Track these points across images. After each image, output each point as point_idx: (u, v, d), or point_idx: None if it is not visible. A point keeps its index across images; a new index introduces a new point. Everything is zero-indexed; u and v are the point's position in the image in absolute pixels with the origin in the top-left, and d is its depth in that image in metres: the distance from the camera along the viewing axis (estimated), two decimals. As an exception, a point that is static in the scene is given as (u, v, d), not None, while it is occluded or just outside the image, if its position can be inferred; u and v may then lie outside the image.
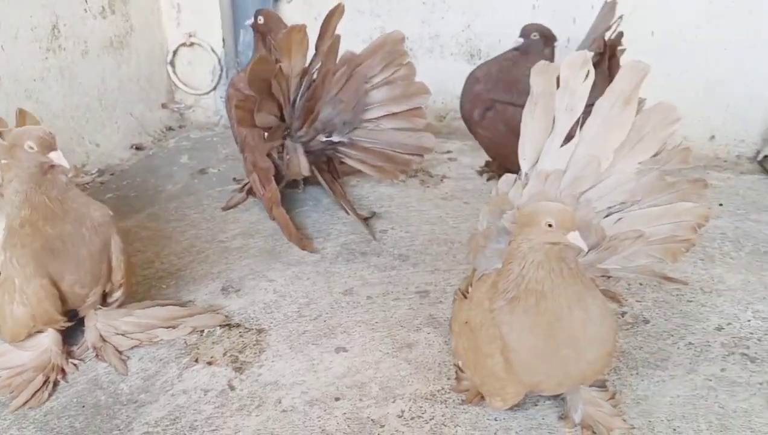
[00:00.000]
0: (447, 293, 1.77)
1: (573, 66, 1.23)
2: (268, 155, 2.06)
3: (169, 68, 2.87)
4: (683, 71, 2.54)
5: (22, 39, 2.18)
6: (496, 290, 1.21)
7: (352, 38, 2.84)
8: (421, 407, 1.40)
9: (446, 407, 1.40)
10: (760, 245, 1.99)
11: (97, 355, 1.55)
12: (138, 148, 2.65)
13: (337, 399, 1.43)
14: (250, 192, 2.24)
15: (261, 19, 2.15)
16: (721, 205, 2.23)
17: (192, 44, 2.81)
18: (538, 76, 1.28)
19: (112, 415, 1.39)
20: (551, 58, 2.15)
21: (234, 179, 2.40)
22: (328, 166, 2.18)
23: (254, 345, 1.60)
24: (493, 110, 2.18)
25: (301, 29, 1.87)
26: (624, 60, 2.02)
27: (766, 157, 2.49)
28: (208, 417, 1.39)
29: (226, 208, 2.22)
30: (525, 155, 1.31)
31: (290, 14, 2.87)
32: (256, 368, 1.52)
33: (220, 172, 2.48)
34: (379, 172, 2.08)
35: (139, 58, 2.71)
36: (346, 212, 2.11)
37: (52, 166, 1.37)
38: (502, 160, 2.26)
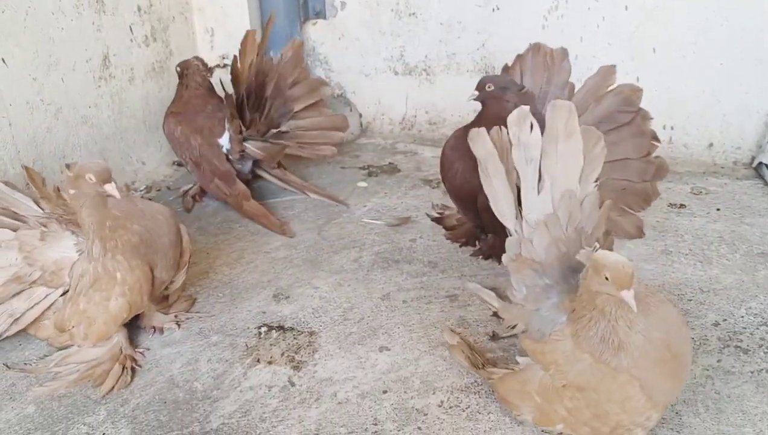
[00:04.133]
0: (474, 297, 1.98)
1: (517, 123, 1.39)
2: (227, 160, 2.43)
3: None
4: (683, 84, 2.75)
5: (79, 70, 2.40)
6: (595, 343, 1.28)
7: (374, 56, 3.08)
8: (458, 398, 1.62)
9: (479, 397, 1.62)
10: (753, 247, 2.20)
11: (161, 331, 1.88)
12: (179, 164, 2.87)
13: (384, 392, 1.65)
14: (196, 198, 2.58)
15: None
16: (718, 209, 2.44)
17: (225, 66, 3.02)
18: (474, 143, 1.46)
19: (191, 409, 1.61)
20: (523, 102, 1.96)
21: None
22: (278, 163, 2.56)
23: (307, 346, 1.82)
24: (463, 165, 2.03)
25: (253, 34, 2.39)
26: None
27: (761, 163, 2.69)
28: (274, 410, 1.61)
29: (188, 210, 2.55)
30: (504, 214, 1.46)
31: (315, 35, 3.09)
32: (311, 366, 1.74)
33: (260, 186, 2.70)
34: (317, 152, 2.55)
35: (175, 80, 2.93)
36: (306, 194, 2.53)
37: (108, 195, 1.60)
38: (471, 216, 2.16)
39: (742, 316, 1.87)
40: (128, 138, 2.68)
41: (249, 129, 2.43)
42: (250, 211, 2.43)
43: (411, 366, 1.73)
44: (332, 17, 3.04)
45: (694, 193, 2.58)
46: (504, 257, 1.49)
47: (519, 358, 1.53)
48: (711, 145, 2.85)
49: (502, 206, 1.46)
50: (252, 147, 2.43)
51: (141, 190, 2.65)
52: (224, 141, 2.41)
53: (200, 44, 3.03)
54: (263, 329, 1.89)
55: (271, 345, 1.83)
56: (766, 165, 2.67)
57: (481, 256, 2.18)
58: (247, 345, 1.82)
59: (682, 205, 2.48)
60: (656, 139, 1.92)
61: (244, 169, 2.49)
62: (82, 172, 1.57)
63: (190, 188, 2.58)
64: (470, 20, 2.90)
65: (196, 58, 2.53)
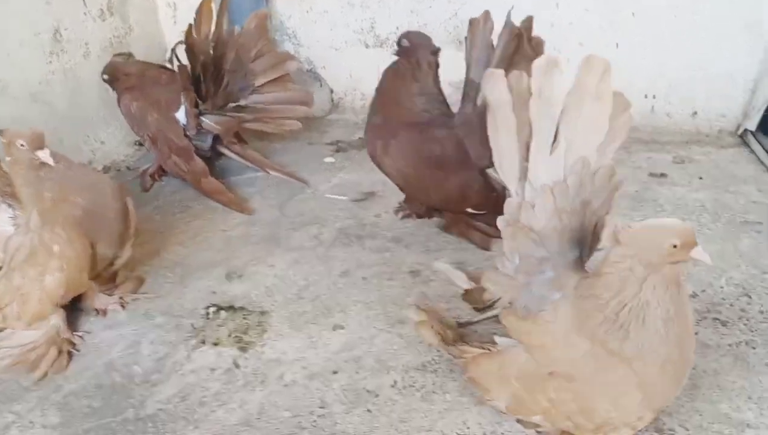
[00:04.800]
0: (437, 272, 1.87)
1: (544, 71, 1.19)
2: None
3: (168, 66, 2.95)
4: (665, 51, 2.62)
5: (27, 45, 2.28)
6: (603, 327, 1.13)
7: (343, 29, 2.95)
8: (412, 377, 1.51)
9: (436, 376, 1.51)
10: (737, 216, 2.08)
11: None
12: (140, 144, 2.75)
13: (334, 372, 1.54)
14: (155, 176, 2.45)
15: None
16: (701, 178, 2.32)
17: (188, 42, 2.89)
18: (487, 85, 1.26)
19: (127, 394, 1.50)
20: (433, 67, 1.91)
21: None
22: (237, 139, 2.42)
23: (257, 326, 1.71)
24: (398, 139, 1.91)
25: (209, 2, 2.27)
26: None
27: (746, 130, 2.57)
28: (215, 393, 1.50)
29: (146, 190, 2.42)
30: (505, 172, 1.28)
31: (282, 8, 2.96)
32: (259, 347, 1.63)
33: (221, 164, 2.58)
34: (281, 127, 2.39)
35: (138, 57, 2.80)
36: (267, 172, 2.38)
37: (42, 163, 1.51)
38: (417, 195, 2.05)
39: (722, 287, 1.76)
40: (85, 116, 2.56)
41: (205, 102, 2.31)
42: (208, 188, 2.31)
43: (365, 345, 1.62)
44: (299, -13, 2.92)
45: (676, 163, 2.45)
46: (499, 220, 1.32)
47: (498, 339, 1.35)
48: (695, 113, 2.72)
49: (505, 163, 1.27)
50: (209, 121, 2.30)
51: (99, 171, 2.53)
52: (181, 115, 2.29)
53: (162, 19, 2.91)
54: (212, 309, 1.77)
55: (218, 326, 1.72)
56: (752, 132, 2.54)
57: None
58: (193, 326, 1.71)
59: (662, 175, 2.35)
60: None
61: (204, 146, 2.36)
62: (13, 139, 1.48)
63: (149, 167, 2.46)
64: (441, -10, 2.77)
65: (118, 54, 2.42)
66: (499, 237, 1.34)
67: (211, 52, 2.30)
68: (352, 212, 2.19)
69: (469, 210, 1.95)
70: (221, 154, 2.43)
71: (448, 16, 2.82)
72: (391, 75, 1.94)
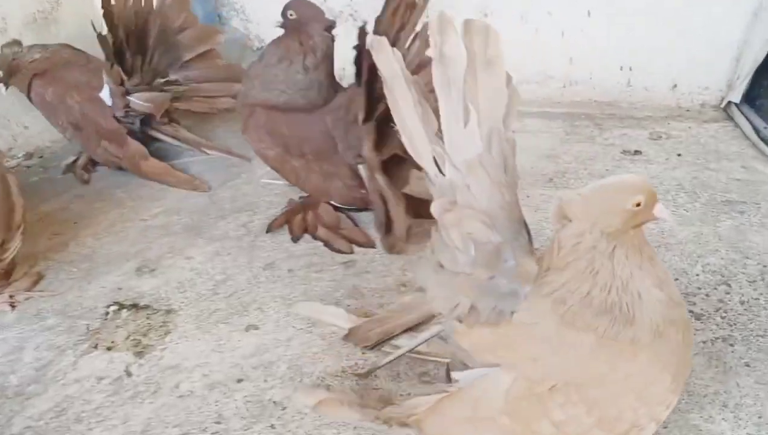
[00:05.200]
0: (374, 262, 1.64)
1: (439, 30, 0.97)
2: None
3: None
4: (641, 19, 2.39)
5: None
6: (597, 313, 0.91)
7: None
8: (329, 385, 1.28)
9: (357, 385, 1.28)
10: (717, 195, 1.85)
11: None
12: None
13: (239, 381, 1.31)
14: (88, 167, 2.19)
15: None
16: (679, 155, 2.09)
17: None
18: (377, 54, 1.02)
19: (-5, 410, 1.28)
20: (326, 44, 1.69)
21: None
22: (169, 119, 2.19)
23: (160, 327, 1.48)
24: (254, 117, 1.75)
25: None
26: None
27: (730, 103, 2.34)
28: (96, 407, 1.27)
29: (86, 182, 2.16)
30: (418, 152, 1.03)
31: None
32: (158, 351, 1.40)
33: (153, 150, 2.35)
34: (214, 105, 2.20)
35: (69, 34, 2.56)
36: (203, 152, 2.15)
37: None
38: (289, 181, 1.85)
39: (698, 275, 1.53)
40: (4, 99, 2.32)
41: (131, 78, 2.08)
42: (152, 172, 2.09)
43: (280, 348, 1.39)
44: (246, -41, 2.69)
45: (653, 139, 2.22)
46: (434, 206, 1.05)
47: (455, 374, 1.04)
48: (675, 86, 2.49)
49: (416, 142, 1.03)
50: (137, 99, 2.07)
51: (19, 158, 2.30)
52: (105, 95, 2.05)
53: (95, -6, 2.67)
54: (113, 308, 1.55)
55: (117, 327, 1.49)
56: (736, 104, 2.31)
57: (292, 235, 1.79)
58: (88, 328, 1.49)
59: (637, 152, 2.13)
60: None
61: (132, 129, 2.13)
62: None
63: (77, 159, 2.21)
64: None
65: (5, 45, 2.14)
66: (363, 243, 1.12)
67: (133, 20, 2.06)
68: (284, 197, 1.95)
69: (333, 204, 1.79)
70: (152, 138, 2.20)
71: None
72: (272, 49, 1.73)
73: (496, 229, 1.01)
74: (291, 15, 1.70)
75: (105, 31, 2.06)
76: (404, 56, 1.61)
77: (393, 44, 1.04)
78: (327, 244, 1.74)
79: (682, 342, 0.92)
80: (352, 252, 1.71)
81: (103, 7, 2.02)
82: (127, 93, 2.05)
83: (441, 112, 1.00)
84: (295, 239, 1.75)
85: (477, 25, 0.97)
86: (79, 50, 2.16)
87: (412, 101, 1.01)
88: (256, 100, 1.73)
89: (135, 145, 2.07)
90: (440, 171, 1.01)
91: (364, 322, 1.30)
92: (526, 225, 1.05)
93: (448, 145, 1.00)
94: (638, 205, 0.87)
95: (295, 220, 1.79)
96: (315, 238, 1.76)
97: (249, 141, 1.78)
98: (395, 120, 1.04)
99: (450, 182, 1.01)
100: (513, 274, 0.99)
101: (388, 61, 1.01)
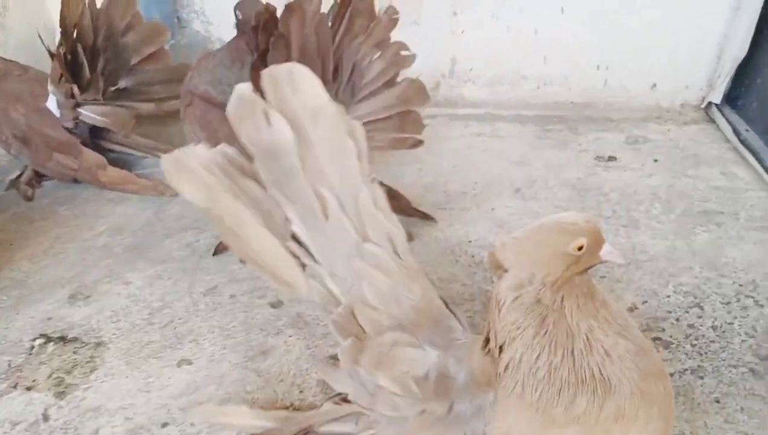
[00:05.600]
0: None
1: (247, 113, 0.78)
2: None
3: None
4: (618, 14, 2.27)
5: None
6: (568, 397, 0.76)
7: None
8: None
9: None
10: (694, 204, 1.74)
11: None
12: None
13: (164, 425, 1.20)
14: (33, 183, 2.04)
15: None
16: (656, 160, 1.97)
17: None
18: (174, 179, 0.81)
19: None
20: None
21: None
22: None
23: (87, 363, 1.36)
24: (191, 107, 1.66)
25: None
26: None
27: (710, 103, 2.22)
28: (6, 458, 1.16)
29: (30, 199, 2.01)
30: (286, 278, 0.86)
31: (187, -19, 2.61)
32: (81, 391, 1.29)
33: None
34: (166, 108, 2.09)
35: (19, 41, 2.44)
36: (158, 157, 1.93)
37: None
38: None
39: (668, 297, 1.42)
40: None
41: (88, 91, 1.96)
42: (112, 181, 1.97)
43: (212, 386, 1.28)
44: (204, -44, 2.56)
45: (629, 143, 2.10)
46: (341, 354, 0.88)
47: None
48: (654, 85, 2.36)
49: (276, 268, 0.85)
50: (89, 113, 1.95)
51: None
52: (52, 105, 1.93)
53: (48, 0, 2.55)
54: (39, 342, 1.43)
55: (41, 363, 1.37)
56: (717, 105, 2.19)
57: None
58: (10, 364, 1.37)
59: (611, 158, 2.01)
60: None
61: (83, 138, 2.01)
62: None
63: (20, 174, 2.08)
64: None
65: None
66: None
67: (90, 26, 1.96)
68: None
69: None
70: (103, 148, 2.08)
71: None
72: (226, 51, 1.66)
73: (425, 341, 0.86)
74: (238, 16, 1.63)
75: (57, 38, 1.95)
76: (364, 73, 1.53)
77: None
78: None
79: (664, 393, 0.79)
80: None
81: (60, 19, 1.89)
82: (78, 106, 1.93)
83: (290, 217, 0.83)
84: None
85: (277, 75, 0.78)
86: (9, 60, 2.04)
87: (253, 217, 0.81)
88: (197, 90, 1.65)
89: (92, 155, 1.96)
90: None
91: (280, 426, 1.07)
92: (448, 307, 0.92)
93: (317, 253, 0.83)
94: (580, 248, 0.75)
95: None
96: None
97: (186, 130, 1.68)
98: (238, 253, 0.87)
99: (339, 302, 0.85)
100: (471, 390, 0.82)
101: (191, 180, 0.80)
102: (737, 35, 2.11)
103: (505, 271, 0.77)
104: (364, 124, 1.44)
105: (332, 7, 1.51)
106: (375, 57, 1.55)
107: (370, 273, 0.83)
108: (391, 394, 0.85)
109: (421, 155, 2.06)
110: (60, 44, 1.93)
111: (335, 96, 1.50)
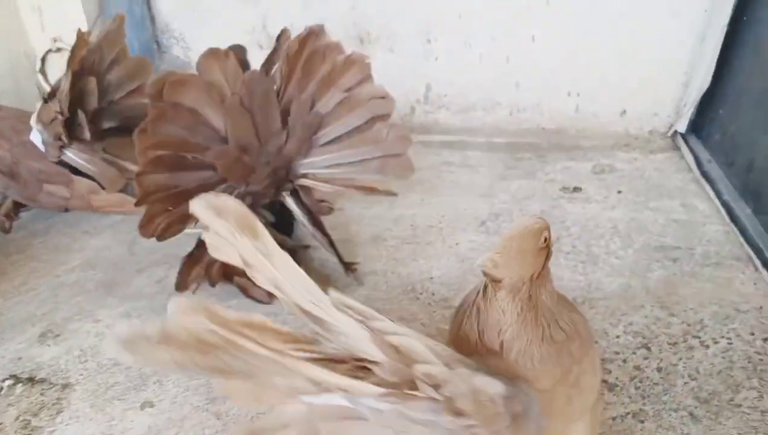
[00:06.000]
0: (286, 324, 1.56)
1: (239, 222, 0.78)
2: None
3: (40, 77, 2.64)
4: (587, 42, 2.31)
5: None
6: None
7: (235, 29, 2.64)
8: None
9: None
10: (652, 239, 1.78)
11: None
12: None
13: (124, 471, 1.24)
14: (11, 215, 2.02)
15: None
16: (620, 192, 2.01)
17: (59, 50, 2.58)
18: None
19: None
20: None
21: None
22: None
23: (53, 405, 1.40)
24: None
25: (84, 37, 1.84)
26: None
27: (676, 132, 2.26)
28: (-31, 505, 1.20)
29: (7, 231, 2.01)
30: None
31: (165, 7, 2.65)
32: (46, 435, 1.33)
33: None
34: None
35: (1, 69, 2.49)
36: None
37: None
38: None
39: (618, 337, 1.46)
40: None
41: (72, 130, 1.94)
42: (105, 206, 1.94)
43: (172, 430, 1.32)
44: (181, -15, 2.60)
45: (596, 173, 2.14)
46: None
47: None
48: (624, 112, 2.41)
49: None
50: (77, 158, 1.94)
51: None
52: (36, 140, 1.94)
53: (28, 26, 2.58)
54: (8, 383, 1.47)
55: (9, 405, 1.41)
56: (681, 134, 2.23)
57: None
58: (-21, 407, 1.41)
59: (576, 189, 2.05)
60: None
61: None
62: None
63: (-1, 207, 2.11)
64: (338, -21, 2.45)
65: None
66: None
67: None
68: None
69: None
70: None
71: (346, 8, 2.50)
72: None
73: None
74: None
75: (38, 65, 1.96)
76: (322, 121, 1.56)
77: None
78: (244, 291, 1.67)
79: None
80: (270, 302, 1.64)
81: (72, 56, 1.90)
82: (63, 147, 1.93)
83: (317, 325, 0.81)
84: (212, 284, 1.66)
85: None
86: None
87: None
88: None
89: (82, 182, 1.93)
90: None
91: None
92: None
93: (368, 350, 0.79)
94: (546, 240, 0.89)
95: (194, 271, 1.64)
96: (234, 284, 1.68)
97: None
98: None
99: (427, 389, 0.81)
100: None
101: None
102: (702, 65, 2.15)
103: (500, 281, 0.88)
104: (335, 166, 1.58)
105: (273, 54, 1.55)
106: (340, 101, 1.57)
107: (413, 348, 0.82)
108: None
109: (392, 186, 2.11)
110: (57, 86, 1.93)
111: (284, 144, 1.54)
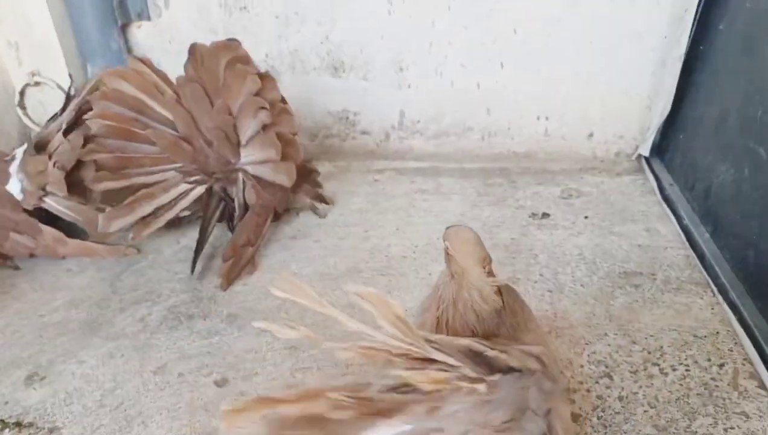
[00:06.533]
0: (266, 361, 1.62)
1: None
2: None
3: (20, 111, 2.68)
4: (554, 67, 2.39)
5: None
6: None
7: (210, 61, 2.67)
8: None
9: None
10: (616, 265, 1.85)
11: None
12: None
13: None
14: None
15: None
16: (586, 217, 2.08)
17: (38, 83, 2.62)
18: None
19: None
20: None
21: None
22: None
23: (41, 449, 1.46)
24: None
25: None
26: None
27: (640, 155, 2.34)
28: None
29: None
30: None
31: (142, 40, 2.69)
32: (34, 481, 1.38)
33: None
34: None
35: (-21, 104, 2.53)
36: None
37: None
38: None
39: (582, 366, 1.52)
40: None
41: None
42: (72, 253, 2.05)
43: (157, 472, 1.37)
44: (157, 18, 2.63)
45: (563, 198, 2.22)
46: None
47: None
48: (591, 134, 2.48)
49: None
50: (57, 205, 1.99)
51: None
52: (14, 189, 1.98)
53: (5, 60, 2.62)
54: (-5, 429, 1.52)
55: (-3, 451, 1.46)
56: (646, 158, 2.31)
57: None
58: (-33, 454, 1.46)
59: (545, 215, 2.12)
60: None
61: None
62: None
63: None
64: (309, 9, 2.50)
65: None
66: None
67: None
68: (190, 284, 1.93)
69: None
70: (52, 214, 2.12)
71: (319, 39, 2.56)
72: None
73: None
74: None
75: (16, 99, 2.00)
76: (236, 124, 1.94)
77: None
78: None
79: None
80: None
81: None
82: (46, 195, 1.98)
83: None
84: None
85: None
86: None
87: None
88: None
89: (49, 232, 2.00)
90: None
91: None
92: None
93: None
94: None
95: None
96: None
97: None
98: None
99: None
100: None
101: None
102: (663, 90, 2.23)
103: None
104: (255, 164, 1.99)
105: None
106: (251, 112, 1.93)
107: None
108: None
109: (368, 216, 2.17)
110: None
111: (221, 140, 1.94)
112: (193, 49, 2.00)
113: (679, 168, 2.13)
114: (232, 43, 2.04)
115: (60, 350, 1.73)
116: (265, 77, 2.02)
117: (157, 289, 1.94)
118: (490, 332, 1.05)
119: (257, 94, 1.94)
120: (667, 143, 2.28)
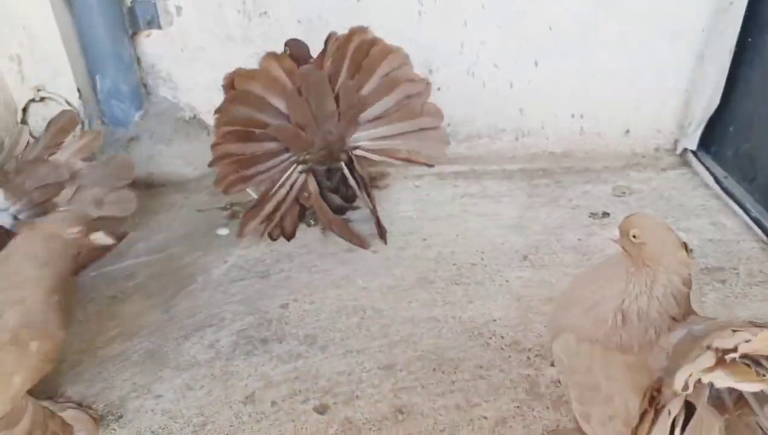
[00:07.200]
0: (363, 383, 1.53)
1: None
2: None
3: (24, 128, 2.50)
4: (588, 65, 2.37)
5: None
6: None
7: (227, 67, 2.54)
8: None
9: None
10: (698, 262, 1.82)
11: None
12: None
13: None
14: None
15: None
16: (646, 215, 2.06)
17: (42, 99, 2.45)
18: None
19: None
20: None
21: None
22: None
23: (141, 497, 1.33)
24: None
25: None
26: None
27: (686, 149, 2.34)
28: None
29: None
30: None
31: (152, 49, 2.55)
32: None
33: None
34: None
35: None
36: None
37: None
38: None
39: (698, 367, 1.48)
40: None
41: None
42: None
43: None
44: (168, 26, 2.49)
45: (617, 196, 2.19)
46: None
47: None
48: (627, 131, 2.47)
49: None
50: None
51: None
52: None
53: (7, 76, 2.43)
54: (83, 478, 1.38)
55: (91, 502, 1.33)
56: (693, 152, 2.31)
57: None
58: (59, 506, 1.32)
59: (605, 214, 2.09)
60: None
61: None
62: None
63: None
64: (333, 13, 2.41)
65: None
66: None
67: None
68: (252, 304, 1.82)
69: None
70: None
71: (344, 43, 2.46)
72: None
73: None
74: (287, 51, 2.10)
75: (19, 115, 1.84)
76: (366, 101, 1.95)
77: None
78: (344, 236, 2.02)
79: None
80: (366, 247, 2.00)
81: None
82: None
83: None
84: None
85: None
86: None
87: None
88: None
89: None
90: None
91: None
92: None
93: None
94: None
95: (252, 223, 1.98)
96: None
97: None
98: None
99: None
100: None
101: None
102: (706, 84, 2.23)
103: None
104: (379, 139, 2.01)
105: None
106: (379, 84, 1.95)
107: None
108: None
109: (422, 224, 2.10)
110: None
111: (337, 122, 1.93)
112: (328, 38, 2.03)
113: (731, 161, 2.14)
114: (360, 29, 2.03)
115: (129, 385, 1.60)
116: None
117: (217, 313, 1.82)
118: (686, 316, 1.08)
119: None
120: (713, 137, 2.28)
